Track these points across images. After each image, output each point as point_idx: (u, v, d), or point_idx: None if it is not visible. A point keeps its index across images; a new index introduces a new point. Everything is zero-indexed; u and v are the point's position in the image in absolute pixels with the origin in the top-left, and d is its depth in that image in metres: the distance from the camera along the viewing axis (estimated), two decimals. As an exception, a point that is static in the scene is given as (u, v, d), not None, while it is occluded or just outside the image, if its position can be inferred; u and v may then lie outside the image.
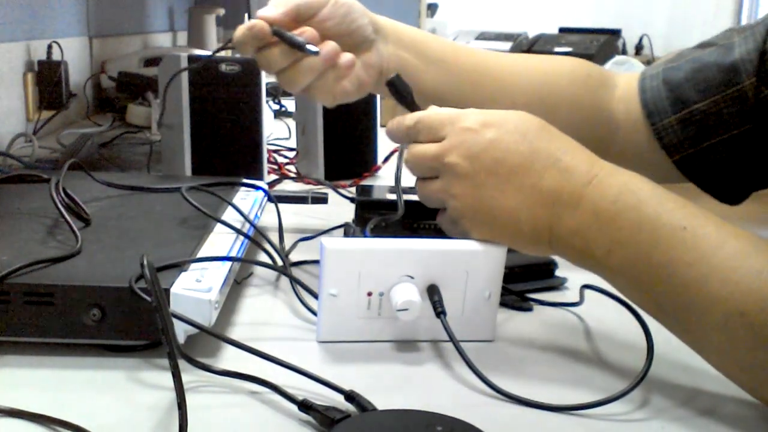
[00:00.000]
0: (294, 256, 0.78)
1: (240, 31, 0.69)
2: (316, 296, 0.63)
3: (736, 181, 0.79)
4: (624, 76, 0.83)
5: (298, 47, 0.68)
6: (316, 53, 0.67)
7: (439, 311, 0.58)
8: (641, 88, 0.80)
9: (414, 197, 0.65)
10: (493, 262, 0.60)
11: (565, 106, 0.78)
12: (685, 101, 0.77)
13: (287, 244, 0.80)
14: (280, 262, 0.72)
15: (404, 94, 0.66)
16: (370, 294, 0.59)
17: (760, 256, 0.50)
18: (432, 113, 0.62)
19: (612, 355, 0.60)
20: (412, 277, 0.58)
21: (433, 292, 0.58)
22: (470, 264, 0.59)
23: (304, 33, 0.68)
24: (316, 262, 0.71)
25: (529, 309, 0.68)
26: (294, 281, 0.67)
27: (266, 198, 0.86)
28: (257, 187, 0.86)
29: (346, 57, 0.70)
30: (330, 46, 0.69)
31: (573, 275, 0.73)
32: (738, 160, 0.77)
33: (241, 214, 0.73)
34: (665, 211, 0.52)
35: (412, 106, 0.65)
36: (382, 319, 0.60)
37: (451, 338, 0.56)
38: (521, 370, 0.57)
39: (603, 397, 0.52)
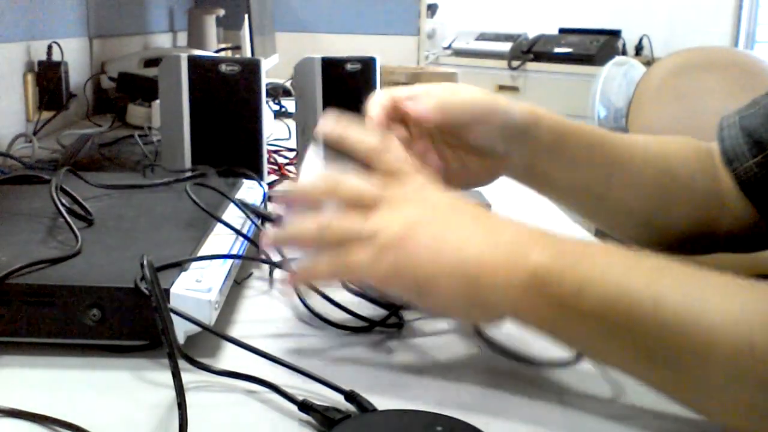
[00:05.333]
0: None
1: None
2: (316, 294, 0.63)
3: None
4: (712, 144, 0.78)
5: None
6: None
7: None
8: (719, 139, 0.76)
9: None
10: None
11: (684, 197, 0.74)
12: (763, 144, 0.73)
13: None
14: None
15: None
16: None
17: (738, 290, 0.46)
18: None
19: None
20: None
21: None
22: None
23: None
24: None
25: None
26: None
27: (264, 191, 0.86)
28: (249, 177, 0.87)
29: None
30: None
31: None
32: None
33: (243, 210, 0.73)
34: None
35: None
36: None
37: None
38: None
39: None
